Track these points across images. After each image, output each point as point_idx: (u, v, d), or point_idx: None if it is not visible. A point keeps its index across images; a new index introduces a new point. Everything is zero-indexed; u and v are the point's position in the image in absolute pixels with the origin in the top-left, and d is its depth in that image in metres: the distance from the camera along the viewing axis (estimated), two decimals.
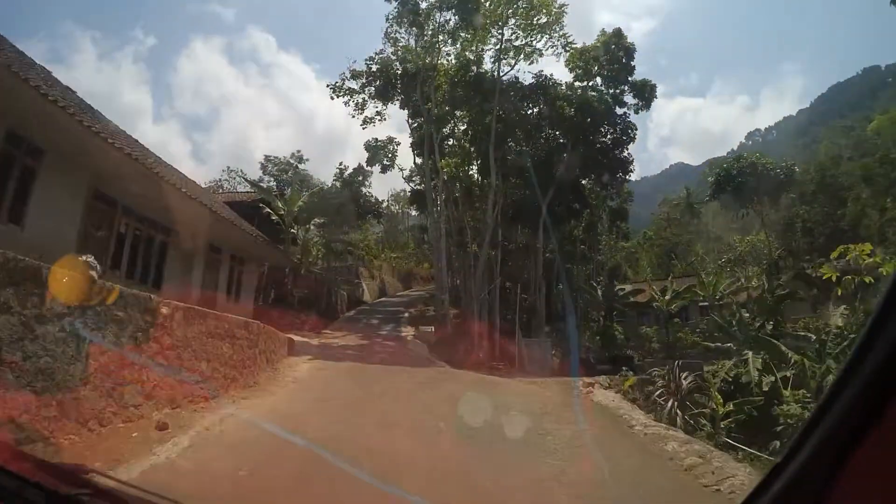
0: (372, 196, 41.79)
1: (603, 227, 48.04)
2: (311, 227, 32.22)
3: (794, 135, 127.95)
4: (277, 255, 25.70)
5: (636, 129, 36.52)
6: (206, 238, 20.16)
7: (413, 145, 37.40)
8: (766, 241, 42.44)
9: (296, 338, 21.75)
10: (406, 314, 34.48)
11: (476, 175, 36.05)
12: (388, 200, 65.53)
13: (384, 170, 41.60)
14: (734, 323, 23.48)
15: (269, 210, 29.52)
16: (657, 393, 14.58)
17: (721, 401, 12.76)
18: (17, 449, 2.90)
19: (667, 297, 34.98)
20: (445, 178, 33.57)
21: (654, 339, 33.95)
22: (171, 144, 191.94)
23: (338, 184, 37.99)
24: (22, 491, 1.64)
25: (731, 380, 14.83)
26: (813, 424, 1.11)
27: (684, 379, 14.55)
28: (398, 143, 41.65)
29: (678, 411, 13.45)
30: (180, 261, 19.19)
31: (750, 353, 15.64)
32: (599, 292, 34.81)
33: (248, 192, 33.60)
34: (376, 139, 41.55)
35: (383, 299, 48.17)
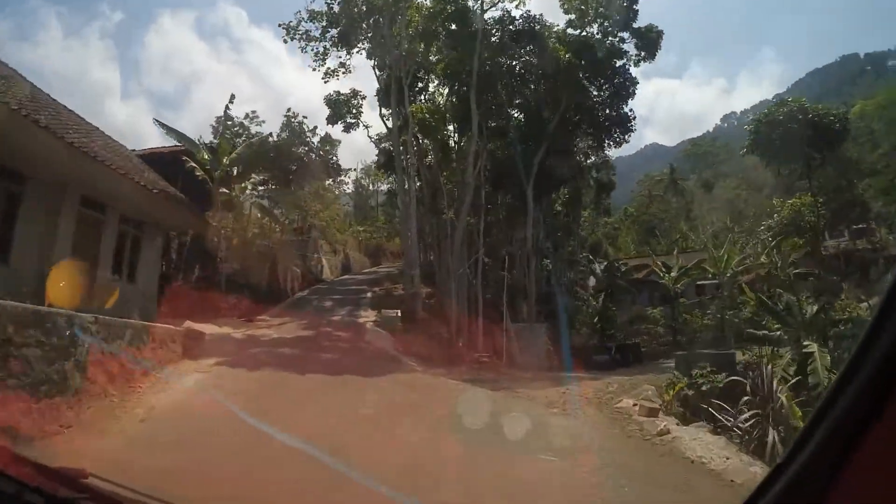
0: (333, 155, 34.80)
1: (588, 201, 44.26)
2: (250, 188, 26.00)
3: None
4: (194, 220, 19.71)
5: (637, 84, 31.22)
6: (77, 190, 14.22)
7: (380, 95, 31.47)
8: (813, 205, 35.90)
9: (213, 329, 16.10)
10: (369, 294, 28.76)
11: (453, 131, 30.28)
12: (356, 171, 59.48)
13: (348, 128, 35.29)
14: (783, 305, 18.72)
15: (193, 165, 23.44)
16: (744, 417, 9.46)
17: (800, 414, 9.39)
18: (15, 453, 2.31)
19: (673, 274, 30.17)
20: (416, 129, 27.84)
21: (662, 321, 29.11)
22: (139, 123, 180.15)
23: (285, 134, 31.06)
24: (21, 495, 1.62)
25: (790, 378, 11.31)
26: (815, 424, 1.10)
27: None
28: (363, 97, 35.35)
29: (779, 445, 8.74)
30: (35, 221, 13.22)
31: (815, 346, 12.05)
32: (598, 268, 29.73)
33: (173, 146, 27.18)
34: (338, 92, 35.16)
35: (346, 277, 42.50)
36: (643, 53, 31.32)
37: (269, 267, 27.66)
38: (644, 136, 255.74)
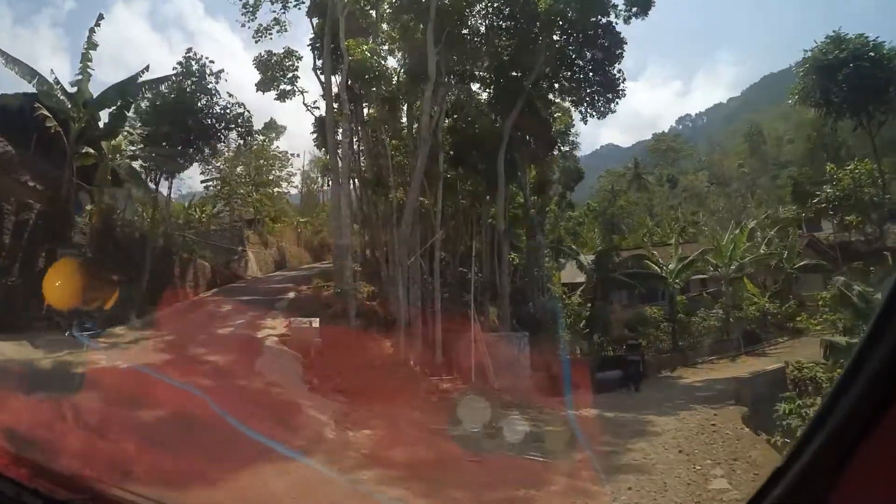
0: (243, 108, 26.79)
1: (556, 190, 39.48)
2: (127, 146, 18.58)
3: (724, 121, 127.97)
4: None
5: (626, 44, 25.46)
6: None
7: (312, 45, 24.87)
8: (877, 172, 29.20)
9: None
10: (291, 295, 21.82)
11: (404, 86, 23.72)
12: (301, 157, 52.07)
13: (282, 97, 28.10)
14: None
15: (45, 113, 16.35)
16: None
17: None
18: (15, 454, 2.33)
19: (672, 267, 24.71)
20: (358, 84, 21.40)
21: (662, 322, 23.60)
22: None
23: (189, 83, 22.95)
24: (20, 496, 1.64)
25: None
26: (815, 428, 1.11)
27: None
28: (300, 58, 28.20)
29: None
30: None
31: None
32: (585, 259, 23.93)
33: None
34: (270, 52, 28.00)
35: (276, 274, 35.41)
36: (634, 8, 25.42)
37: (157, 259, 20.50)
38: (600, 137, 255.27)
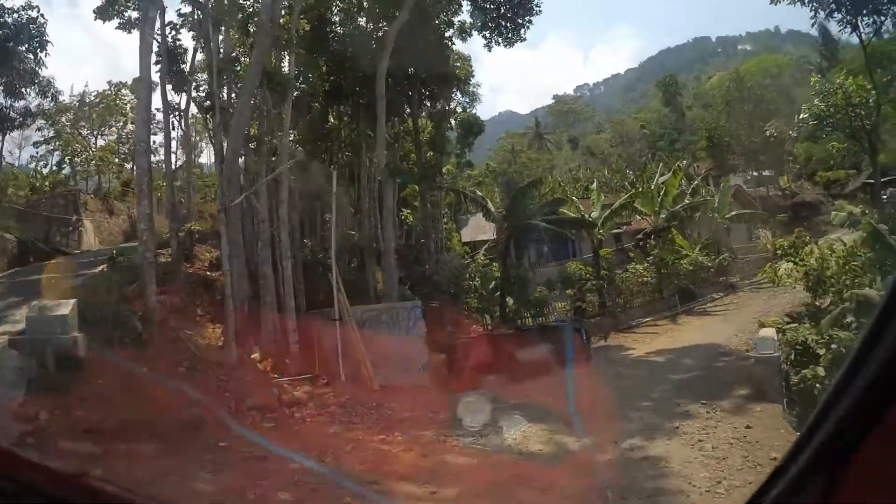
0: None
1: (452, 146, 35.07)
2: None
3: (621, 90, 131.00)
4: None
5: None
6: None
7: None
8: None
9: None
10: (98, 269, 15.39)
11: None
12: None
13: (127, 26, 20.41)
14: None
15: None
16: None
17: None
18: (15, 453, 2.10)
19: (595, 215, 20.65)
20: None
21: (590, 280, 19.46)
22: None
23: None
24: (20, 495, 1.49)
25: None
26: (815, 426, 1.07)
27: None
28: None
29: None
30: None
31: None
32: (493, 206, 19.11)
33: None
34: None
35: (127, 245, 28.23)
36: None
37: None
38: (497, 103, 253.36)
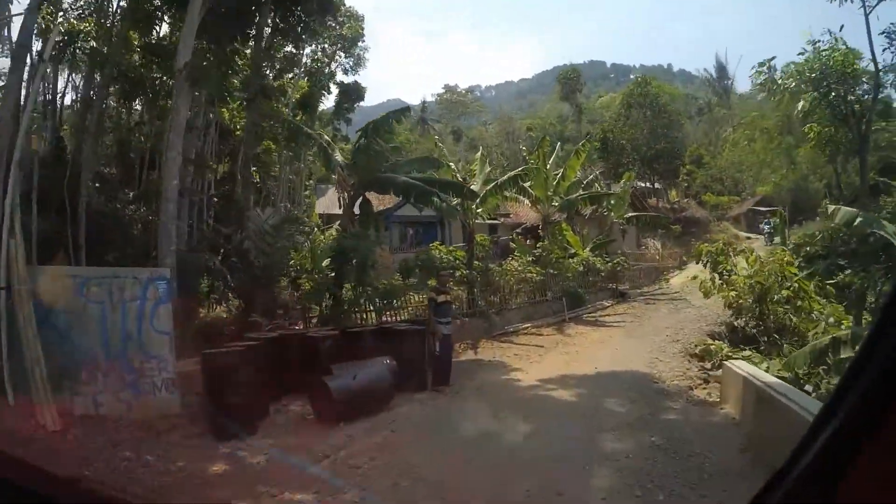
0: None
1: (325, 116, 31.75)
2: None
3: (512, 97, 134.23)
4: None
5: None
6: None
7: None
8: None
9: None
10: None
11: None
12: None
13: None
14: None
15: None
16: None
17: None
18: (11, 456, 1.98)
19: (477, 188, 15.92)
20: None
21: (460, 271, 14.50)
22: None
23: None
24: (16, 499, 1.48)
25: None
26: (817, 430, 1.07)
27: None
28: None
29: None
30: None
31: None
32: (342, 156, 13.57)
33: None
34: None
35: None
36: None
37: None
38: (388, 91, 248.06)
